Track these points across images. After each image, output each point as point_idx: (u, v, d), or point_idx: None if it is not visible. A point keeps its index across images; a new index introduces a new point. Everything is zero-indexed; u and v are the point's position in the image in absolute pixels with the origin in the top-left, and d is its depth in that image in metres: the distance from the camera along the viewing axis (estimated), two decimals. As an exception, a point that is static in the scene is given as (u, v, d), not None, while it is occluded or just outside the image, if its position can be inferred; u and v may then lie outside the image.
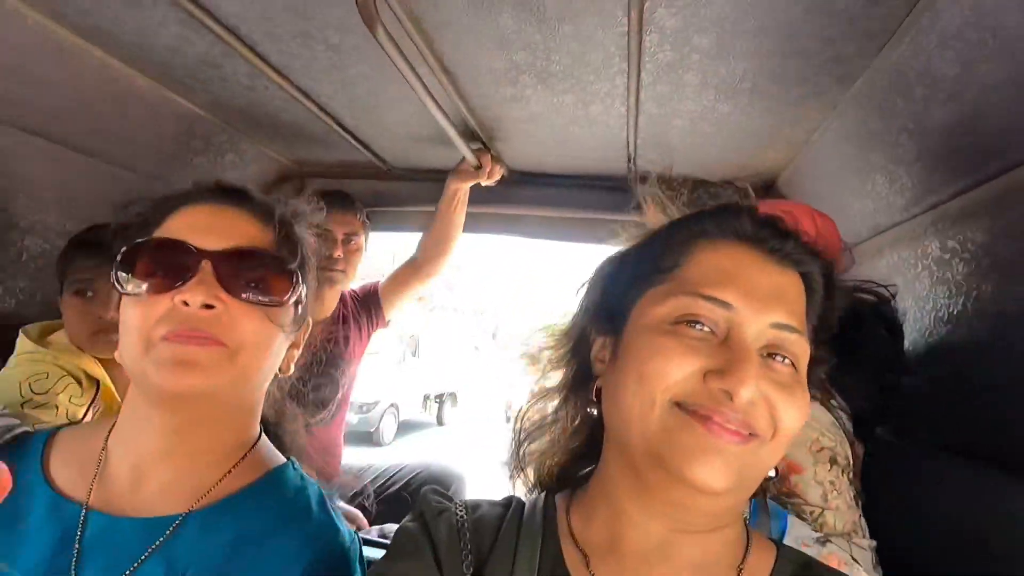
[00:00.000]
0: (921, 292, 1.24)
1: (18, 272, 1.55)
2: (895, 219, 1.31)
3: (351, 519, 1.75)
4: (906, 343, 1.23)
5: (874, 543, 1.01)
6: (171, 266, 0.71)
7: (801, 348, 0.62)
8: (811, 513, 0.97)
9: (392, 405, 11.08)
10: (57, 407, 1.27)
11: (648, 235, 0.73)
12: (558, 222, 2.05)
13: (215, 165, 1.79)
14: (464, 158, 1.74)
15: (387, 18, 1.02)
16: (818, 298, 0.67)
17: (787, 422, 0.59)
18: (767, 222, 0.67)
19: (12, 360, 1.33)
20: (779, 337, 0.61)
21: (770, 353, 0.61)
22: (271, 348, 0.77)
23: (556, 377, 0.77)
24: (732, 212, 0.68)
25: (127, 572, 0.69)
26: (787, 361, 0.61)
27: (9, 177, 1.43)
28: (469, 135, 1.63)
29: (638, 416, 0.60)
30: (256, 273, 0.74)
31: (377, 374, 9.94)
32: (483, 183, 1.85)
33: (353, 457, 2.32)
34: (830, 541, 0.94)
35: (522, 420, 0.79)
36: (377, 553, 0.72)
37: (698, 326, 0.61)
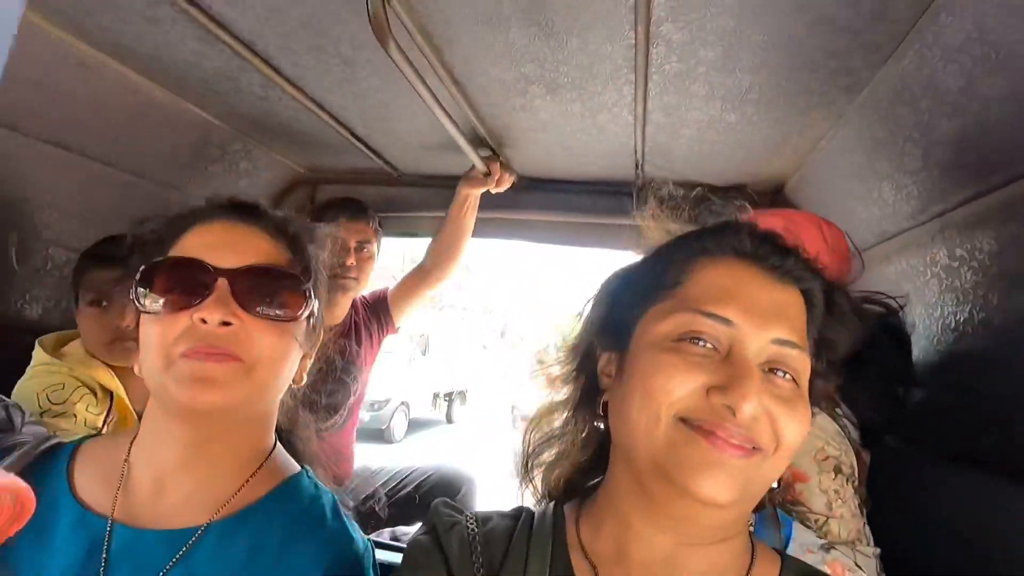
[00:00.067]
0: (930, 299, 1.24)
1: (43, 281, 1.59)
2: (902, 226, 1.31)
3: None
4: (915, 351, 1.23)
5: (878, 551, 1.01)
6: (188, 284, 0.73)
7: (802, 363, 0.63)
8: (815, 521, 0.98)
9: (403, 403, 11.12)
10: (75, 416, 1.30)
11: (651, 252, 0.74)
12: (566, 226, 2.06)
13: (230, 173, 1.83)
14: (474, 165, 1.76)
15: (399, 33, 1.04)
16: (818, 313, 0.68)
17: (789, 436, 0.60)
18: (767, 239, 0.68)
19: (29, 371, 1.36)
20: (780, 353, 0.62)
21: (771, 368, 0.62)
22: (286, 361, 0.79)
23: (564, 392, 0.78)
24: (732, 229, 0.69)
25: None
26: (788, 376, 0.62)
27: (34, 188, 1.47)
28: (479, 143, 1.64)
29: (644, 431, 0.61)
30: (271, 289, 0.76)
31: (388, 372, 9.97)
32: (492, 190, 1.87)
33: (365, 454, 2.34)
34: (834, 548, 0.95)
35: (531, 433, 0.80)
36: (389, 556, 0.74)
37: (700, 343, 0.62)
